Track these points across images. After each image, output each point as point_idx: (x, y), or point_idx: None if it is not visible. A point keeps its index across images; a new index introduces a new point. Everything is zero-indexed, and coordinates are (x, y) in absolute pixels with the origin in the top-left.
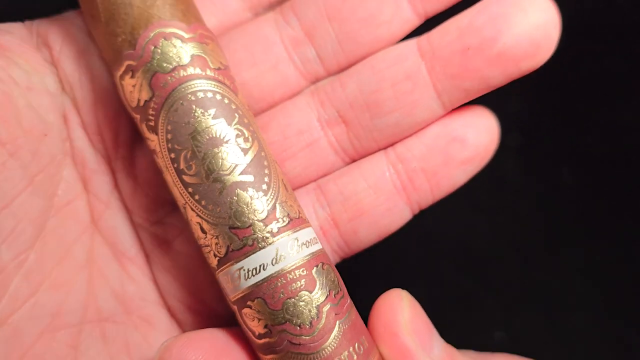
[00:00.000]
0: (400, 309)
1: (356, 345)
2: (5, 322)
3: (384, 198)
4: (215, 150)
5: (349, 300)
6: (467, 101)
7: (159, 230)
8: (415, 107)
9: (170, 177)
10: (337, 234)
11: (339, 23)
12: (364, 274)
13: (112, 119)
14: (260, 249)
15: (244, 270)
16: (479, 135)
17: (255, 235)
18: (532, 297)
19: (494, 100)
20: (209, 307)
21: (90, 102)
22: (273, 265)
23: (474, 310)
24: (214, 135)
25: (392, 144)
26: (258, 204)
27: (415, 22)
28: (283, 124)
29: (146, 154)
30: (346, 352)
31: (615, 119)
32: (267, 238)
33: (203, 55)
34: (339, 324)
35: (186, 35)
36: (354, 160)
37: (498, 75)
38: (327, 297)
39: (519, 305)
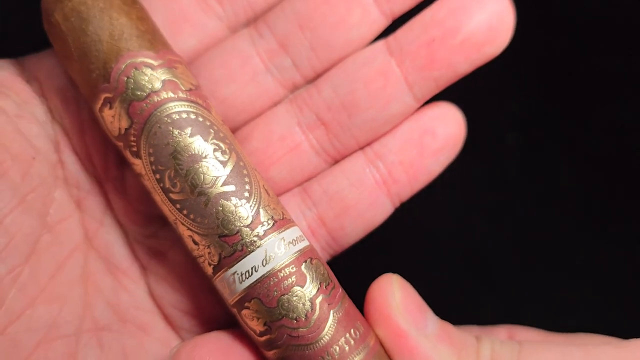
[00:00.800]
0: (391, 293)
1: (352, 330)
2: (3, 333)
3: (366, 193)
4: (196, 166)
5: (340, 290)
6: (437, 92)
7: (153, 242)
8: (390, 102)
9: (158, 197)
10: (325, 231)
11: (310, 31)
12: (364, 275)
13: (100, 144)
14: (250, 252)
15: (238, 274)
16: (447, 127)
17: (244, 241)
18: (532, 297)
19: (494, 100)
20: (204, 312)
21: (78, 129)
22: (264, 266)
23: (473, 310)
24: (193, 152)
25: (370, 142)
26: (242, 210)
27: (383, 22)
28: (265, 132)
29: (135, 174)
30: (343, 339)
31: (615, 119)
32: (254, 242)
33: (173, 79)
34: (333, 313)
35: (155, 63)
36: (336, 161)
37: (463, 62)
38: (318, 289)
39: (519, 305)
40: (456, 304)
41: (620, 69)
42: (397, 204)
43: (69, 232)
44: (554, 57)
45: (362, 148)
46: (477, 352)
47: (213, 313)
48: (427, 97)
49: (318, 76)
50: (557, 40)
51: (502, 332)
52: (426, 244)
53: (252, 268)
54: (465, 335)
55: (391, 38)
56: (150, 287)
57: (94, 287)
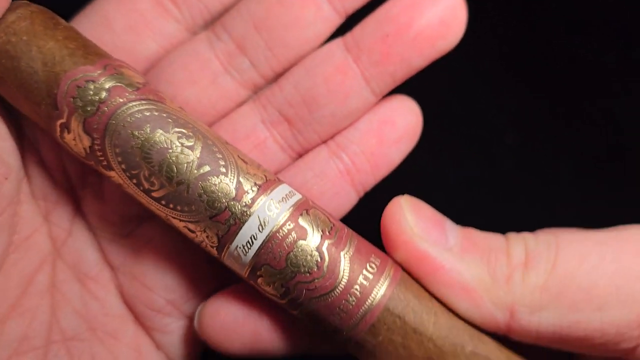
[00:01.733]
0: (402, 216)
1: (368, 265)
2: None
3: (330, 184)
4: (166, 158)
5: (346, 230)
6: (394, 87)
7: (129, 242)
8: (348, 97)
9: (142, 199)
10: None
11: (266, 31)
12: None
13: None
14: (244, 223)
15: (240, 247)
16: (405, 117)
17: (234, 214)
18: None
19: (491, 98)
20: (179, 309)
21: (49, 141)
22: (261, 231)
23: None
24: (159, 147)
25: (332, 136)
26: (224, 186)
27: (337, 20)
28: (230, 130)
29: (115, 185)
30: (361, 276)
31: (613, 116)
32: (245, 212)
33: (118, 83)
34: (344, 255)
35: (95, 74)
36: (300, 156)
37: (417, 56)
38: (322, 236)
39: None
40: None
41: (618, 65)
42: (362, 194)
43: (36, 247)
44: (549, 54)
45: (325, 142)
46: (508, 253)
47: (187, 310)
48: (385, 92)
49: (278, 75)
50: (550, 36)
51: None
52: None
53: (251, 237)
54: (492, 237)
55: (348, 35)
56: (122, 288)
57: (62, 297)
